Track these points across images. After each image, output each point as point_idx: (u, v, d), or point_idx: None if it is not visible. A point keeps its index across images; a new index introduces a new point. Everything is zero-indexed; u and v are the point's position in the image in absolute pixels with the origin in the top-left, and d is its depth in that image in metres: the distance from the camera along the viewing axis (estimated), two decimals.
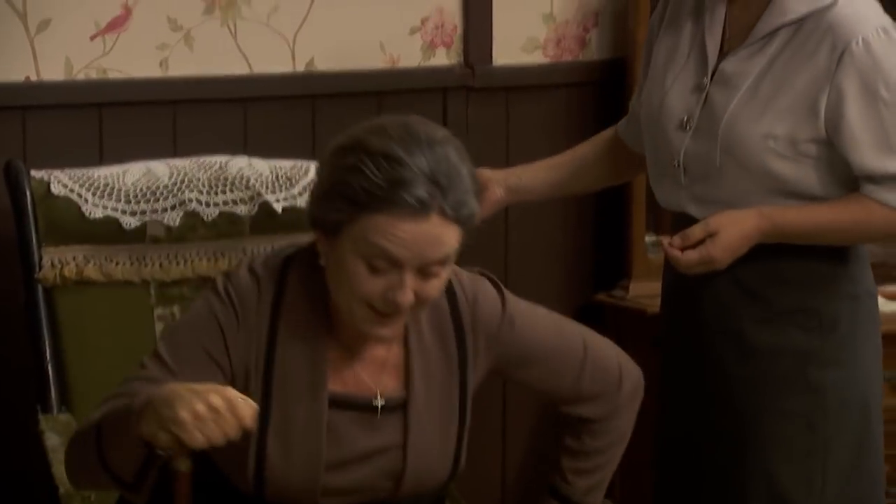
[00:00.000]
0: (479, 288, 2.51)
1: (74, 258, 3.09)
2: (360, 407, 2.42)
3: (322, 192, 2.34)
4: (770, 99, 2.59)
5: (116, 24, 3.37)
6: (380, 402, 2.42)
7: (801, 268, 2.65)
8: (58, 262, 3.07)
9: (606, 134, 2.97)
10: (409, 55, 3.68)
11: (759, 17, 2.63)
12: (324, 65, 3.58)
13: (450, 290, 2.46)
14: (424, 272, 2.31)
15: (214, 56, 3.46)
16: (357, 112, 3.48)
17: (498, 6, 3.75)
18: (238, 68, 3.50)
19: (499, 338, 2.50)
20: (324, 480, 2.40)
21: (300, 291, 2.40)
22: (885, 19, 2.59)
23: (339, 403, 2.41)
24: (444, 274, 2.36)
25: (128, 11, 3.38)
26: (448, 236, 2.31)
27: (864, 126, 2.55)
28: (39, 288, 3.06)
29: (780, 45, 2.60)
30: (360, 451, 2.43)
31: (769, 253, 2.64)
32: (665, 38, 2.77)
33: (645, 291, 3.73)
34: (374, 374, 2.44)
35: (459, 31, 3.73)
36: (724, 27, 2.67)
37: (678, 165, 2.68)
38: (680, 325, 2.79)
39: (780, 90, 2.59)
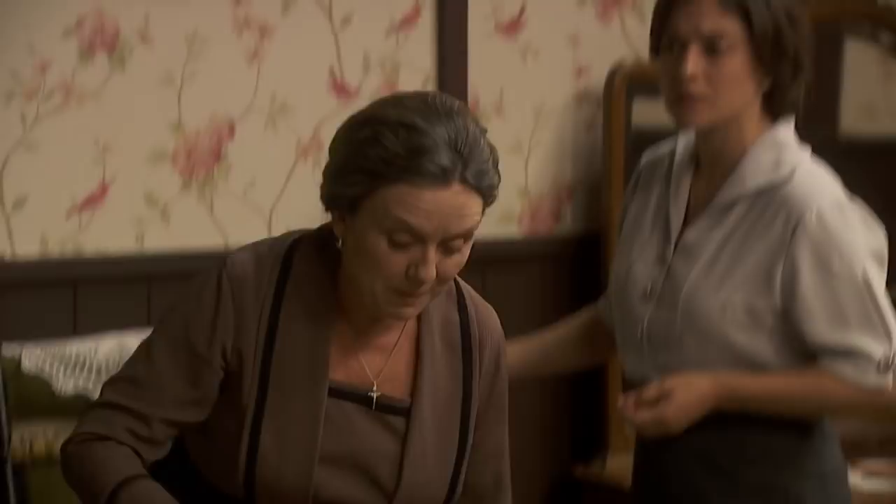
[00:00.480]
0: (492, 316, 2.40)
1: (45, 433, 3.04)
2: (359, 398, 2.29)
3: (337, 168, 2.21)
4: (728, 269, 2.58)
5: (93, 201, 3.37)
6: (375, 393, 2.28)
7: (765, 442, 2.61)
8: (27, 437, 3.03)
9: (585, 314, 2.95)
10: None
11: (720, 188, 2.63)
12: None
13: (461, 304, 2.36)
14: (447, 247, 2.18)
15: (191, 230, 3.46)
16: None
17: None
18: (214, 242, 3.49)
19: (494, 380, 2.39)
20: (316, 481, 2.26)
21: (306, 273, 2.27)
22: (840, 194, 2.59)
23: (338, 393, 2.28)
24: (466, 251, 2.21)
25: (105, 187, 3.38)
26: (471, 206, 2.17)
27: (818, 299, 2.54)
28: (9, 464, 3.01)
29: (739, 217, 2.60)
30: (355, 446, 2.29)
31: (735, 425, 2.60)
32: (634, 210, 2.77)
33: (623, 464, 3.67)
34: (377, 365, 2.31)
35: None
36: (689, 198, 2.67)
37: (641, 335, 2.66)
38: (648, 498, 2.74)
39: (738, 261, 2.58)
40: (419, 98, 2.21)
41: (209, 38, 3.46)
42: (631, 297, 2.69)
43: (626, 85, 3.76)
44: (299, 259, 2.28)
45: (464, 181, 2.14)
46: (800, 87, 2.62)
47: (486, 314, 2.38)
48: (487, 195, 2.19)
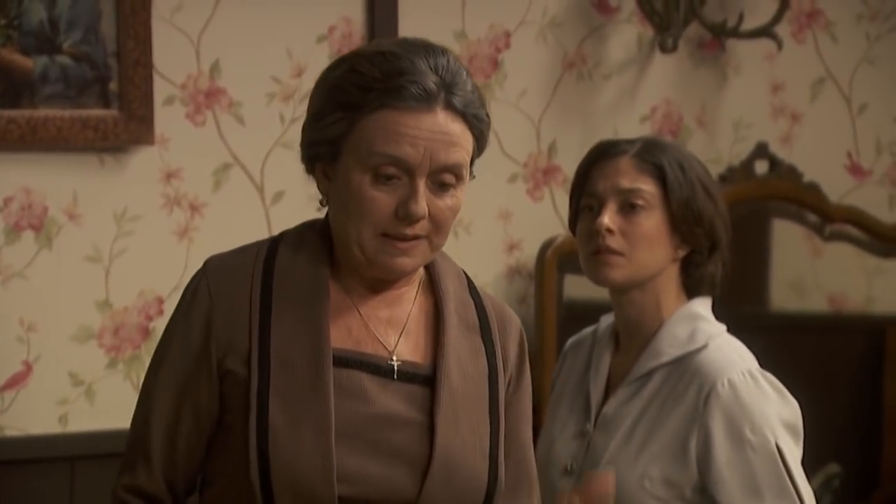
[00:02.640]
0: (511, 311, 2.19)
1: None
2: (372, 367, 2.03)
3: (315, 112, 2.04)
4: (645, 441, 2.49)
5: (16, 381, 3.20)
6: (395, 363, 2.03)
7: None
8: None
9: None
10: None
11: (635, 361, 2.56)
12: None
13: (472, 287, 2.14)
14: (437, 183, 1.97)
15: (116, 409, 3.27)
16: None
17: None
18: None
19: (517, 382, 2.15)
20: (338, 460, 1.96)
21: (296, 248, 2.07)
22: (753, 363, 2.52)
23: (348, 362, 2.02)
24: (460, 195, 2.02)
25: (28, 367, 3.21)
26: (459, 135, 1.97)
27: (732, 469, 2.45)
28: None
29: (655, 387, 2.52)
30: (376, 417, 2.00)
31: None
32: (558, 388, 2.69)
33: None
34: (392, 337, 2.06)
35: None
36: (609, 373, 2.59)
37: None
38: None
39: (654, 432, 2.49)
40: (396, 39, 2.09)
41: (139, 216, 3.32)
42: (552, 473, 2.59)
43: (557, 259, 3.66)
44: (286, 241, 2.09)
45: (449, 106, 1.97)
46: (717, 264, 2.56)
47: (502, 306, 2.18)
48: (476, 127, 2.00)
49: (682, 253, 2.55)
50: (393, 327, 2.07)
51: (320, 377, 1.99)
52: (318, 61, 3.46)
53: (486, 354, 2.10)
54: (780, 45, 3.76)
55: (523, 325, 3.75)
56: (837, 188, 3.97)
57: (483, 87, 3.63)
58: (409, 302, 2.08)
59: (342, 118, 1.98)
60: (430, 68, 1.97)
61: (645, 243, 2.51)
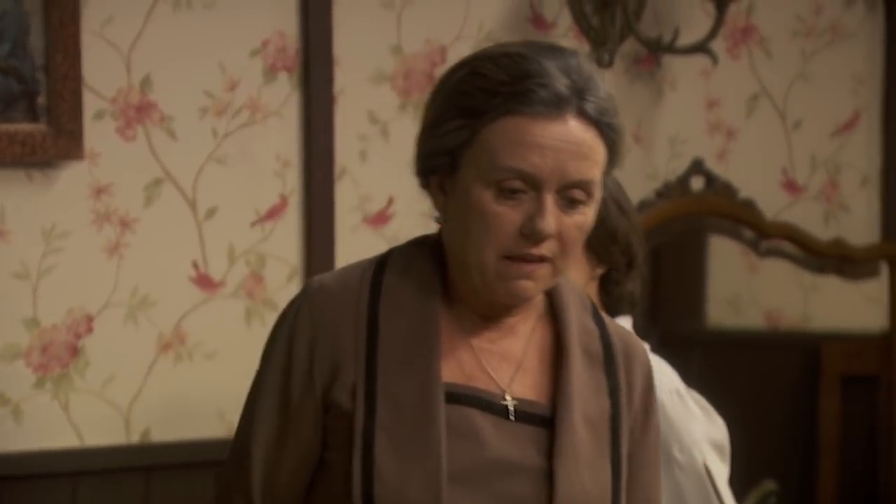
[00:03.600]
0: (639, 343, 1.96)
1: None
2: (485, 405, 1.83)
3: (432, 120, 1.81)
4: None
5: None
6: (510, 403, 1.83)
7: None
8: None
9: None
10: None
11: None
12: (160, 435, 3.28)
13: (595, 312, 1.92)
14: (566, 199, 1.77)
15: (44, 429, 3.15)
16: (194, 484, 3.20)
17: None
18: (69, 441, 3.18)
19: (644, 420, 1.92)
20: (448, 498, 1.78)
21: (404, 268, 1.85)
22: (679, 383, 2.46)
23: (460, 398, 1.82)
24: (590, 213, 1.80)
25: None
26: (591, 147, 1.76)
27: (660, 490, 2.36)
28: None
29: None
30: (490, 460, 1.81)
31: None
32: None
33: None
34: (506, 372, 1.86)
35: None
36: None
37: None
38: None
39: None
40: (523, 41, 1.88)
41: (68, 232, 3.20)
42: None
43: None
44: (395, 261, 1.87)
45: (581, 113, 1.76)
46: (635, 280, 2.48)
47: (628, 334, 1.96)
48: (609, 137, 1.78)
49: (599, 272, 2.47)
50: (507, 361, 1.86)
51: (430, 414, 1.79)
52: (252, 75, 3.37)
53: (610, 391, 1.88)
54: (715, 61, 3.71)
55: None
56: (773, 204, 3.92)
57: (419, 102, 3.55)
58: (525, 333, 1.88)
59: (463, 126, 1.78)
60: (561, 71, 1.77)
61: None
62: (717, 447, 2.45)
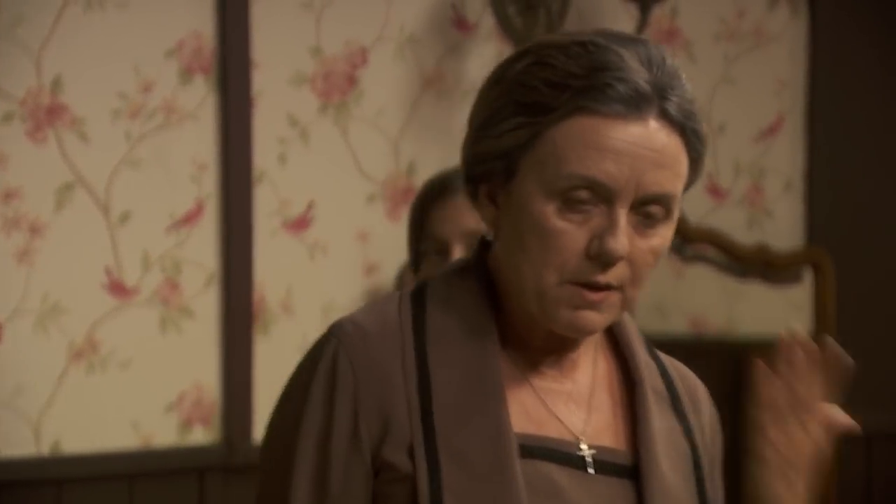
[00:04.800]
0: (695, 377, 1.69)
1: None
2: (562, 457, 1.54)
3: (485, 119, 1.51)
4: None
5: None
6: (588, 452, 1.56)
7: None
8: None
9: None
10: (164, 433, 3.25)
11: None
12: (71, 446, 3.13)
13: (649, 344, 1.66)
14: (642, 215, 1.49)
15: None
16: (106, 498, 3.06)
17: (259, 379, 3.36)
18: None
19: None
20: None
21: (447, 300, 1.55)
22: None
23: (533, 451, 1.53)
24: (667, 235, 1.51)
25: None
26: (674, 155, 1.48)
27: None
28: None
29: None
30: None
31: None
32: None
33: None
34: (577, 417, 1.58)
35: (218, 405, 3.32)
36: None
37: None
38: None
39: None
40: (594, 28, 1.57)
41: None
42: None
43: (415, 281, 3.45)
44: (434, 293, 1.55)
45: (664, 115, 1.47)
46: None
47: (685, 369, 1.69)
48: (694, 147, 1.50)
49: None
50: (575, 403, 1.58)
51: (506, 472, 1.50)
52: (167, 77, 3.22)
53: (684, 432, 1.62)
54: None
55: None
56: (697, 209, 3.83)
57: (339, 105, 3.42)
58: (589, 369, 1.59)
59: (524, 124, 1.49)
60: (642, 63, 1.47)
61: None
62: None
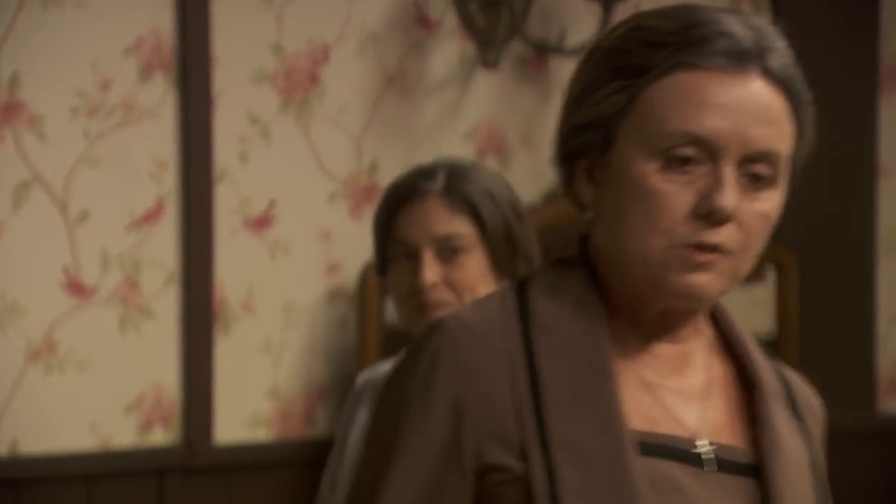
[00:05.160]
0: (803, 379, 1.61)
1: None
2: (680, 454, 1.47)
3: (580, 91, 1.46)
4: None
5: None
6: (707, 450, 1.48)
7: None
8: None
9: None
10: (123, 434, 3.19)
11: None
12: (29, 447, 3.07)
13: (761, 348, 1.58)
14: (749, 175, 1.42)
15: None
16: (64, 499, 3.01)
17: (220, 380, 3.31)
18: None
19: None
20: None
21: (552, 292, 1.48)
22: None
23: (649, 448, 1.46)
24: (775, 198, 1.43)
25: None
26: (779, 113, 1.41)
27: None
28: None
29: None
30: None
31: None
32: (359, 432, 2.38)
33: None
34: (683, 409, 1.50)
35: (178, 406, 3.27)
36: None
37: None
38: None
39: None
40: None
41: None
42: None
43: (378, 282, 3.41)
44: (538, 288, 1.49)
45: (766, 72, 1.40)
46: None
47: (796, 375, 1.61)
48: (799, 109, 1.43)
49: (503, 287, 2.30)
50: (687, 399, 1.50)
51: (625, 471, 1.42)
52: (125, 74, 3.16)
53: (801, 433, 1.54)
54: None
55: (344, 352, 3.55)
56: None
57: (301, 103, 3.37)
58: (701, 365, 1.51)
59: (622, 87, 1.42)
60: (741, 22, 1.42)
61: (471, 288, 2.26)
62: None
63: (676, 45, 1.41)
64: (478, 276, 2.26)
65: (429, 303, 2.23)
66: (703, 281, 1.42)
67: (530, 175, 3.64)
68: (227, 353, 3.32)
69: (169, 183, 3.24)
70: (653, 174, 1.41)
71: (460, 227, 2.25)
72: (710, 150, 1.41)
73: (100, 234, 3.17)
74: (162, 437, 3.25)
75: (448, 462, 1.45)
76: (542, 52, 3.60)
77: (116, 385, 3.20)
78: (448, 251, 2.24)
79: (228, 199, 3.32)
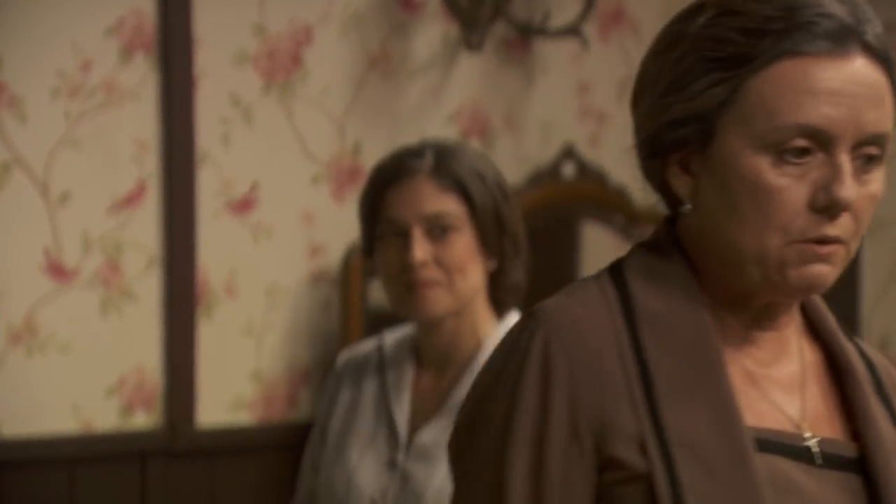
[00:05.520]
0: (887, 360, 1.56)
1: None
2: (792, 450, 1.41)
3: (669, 84, 1.39)
4: None
5: None
6: (812, 444, 1.42)
7: None
8: None
9: None
10: (105, 417, 3.16)
11: (454, 383, 2.25)
12: (10, 430, 3.03)
13: (844, 328, 1.54)
14: (861, 158, 1.37)
15: None
16: (46, 482, 2.97)
17: (202, 363, 3.28)
18: None
19: None
20: None
21: (650, 278, 1.42)
22: None
23: (763, 444, 1.39)
24: (881, 177, 1.39)
25: None
26: (883, 90, 1.37)
27: None
28: None
29: None
30: None
31: None
32: (341, 414, 2.35)
33: None
34: (785, 402, 1.44)
35: (160, 389, 3.23)
36: (413, 395, 2.28)
37: None
38: None
39: None
40: None
41: None
42: None
43: (362, 264, 3.38)
44: (634, 272, 1.43)
45: (867, 49, 1.36)
46: (520, 271, 2.31)
47: (882, 356, 1.56)
48: (893, 74, 1.39)
49: (492, 266, 2.28)
50: (788, 389, 1.44)
51: (745, 469, 1.35)
52: (106, 55, 3.12)
53: (891, 419, 1.48)
54: (586, 45, 3.55)
55: (327, 335, 3.51)
56: (644, 190, 3.76)
57: (283, 84, 3.33)
58: (796, 355, 1.46)
59: (721, 80, 1.36)
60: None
61: (461, 266, 2.25)
62: None
63: (780, 31, 1.35)
64: (467, 255, 2.24)
65: (418, 281, 2.21)
66: (824, 272, 1.38)
67: (514, 157, 3.62)
68: (210, 336, 3.29)
69: (150, 165, 3.20)
70: (766, 170, 1.36)
71: (450, 205, 2.23)
72: (824, 141, 1.36)
73: (81, 217, 3.14)
74: (144, 420, 3.22)
75: (572, 455, 1.38)
76: (526, 33, 3.58)
77: (98, 368, 3.16)
78: (437, 230, 2.23)
79: (211, 182, 3.29)
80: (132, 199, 3.19)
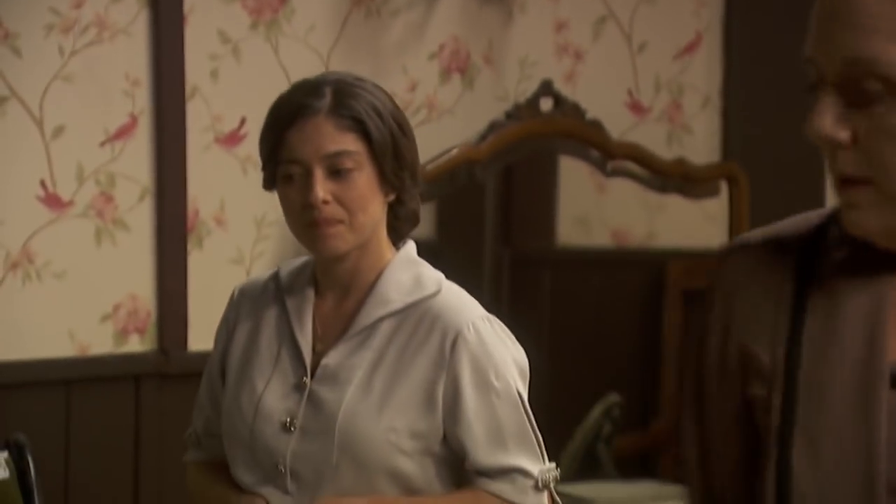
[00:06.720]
0: None
1: None
2: None
3: None
4: (387, 392, 2.20)
5: None
6: None
7: None
8: None
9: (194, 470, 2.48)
10: (101, 342, 3.21)
11: (357, 309, 2.26)
12: (8, 354, 3.08)
13: None
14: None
15: None
16: (44, 403, 3.02)
17: (193, 291, 3.33)
18: None
19: None
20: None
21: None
22: (483, 309, 2.26)
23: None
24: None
25: None
26: None
27: (478, 415, 2.20)
28: None
29: (385, 337, 2.22)
30: None
31: None
32: (241, 342, 2.34)
33: None
34: None
35: (153, 316, 3.29)
36: (314, 321, 2.32)
37: (284, 470, 2.26)
38: None
39: (396, 383, 2.20)
40: None
41: None
42: (264, 431, 2.25)
43: None
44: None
45: None
46: (416, 199, 2.30)
47: None
48: None
49: (390, 199, 2.30)
50: None
51: (867, 405, 1.32)
52: None
53: None
54: None
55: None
56: (619, 125, 3.81)
57: (270, 22, 3.36)
58: None
59: None
60: None
61: (363, 204, 2.22)
62: (523, 372, 2.30)
63: None
64: (367, 192, 2.23)
65: (320, 219, 2.19)
66: None
67: (493, 94, 3.65)
68: (200, 265, 3.34)
69: (142, 100, 3.24)
70: None
71: (349, 144, 2.21)
72: None
73: (75, 150, 3.17)
74: (138, 344, 3.27)
75: (722, 381, 1.40)
76: None
77: (93, 295, 3.21)
78: (338, 169, 2.22)
79: (200, 116, 3.32)
80: (124, 132, 3.23)
